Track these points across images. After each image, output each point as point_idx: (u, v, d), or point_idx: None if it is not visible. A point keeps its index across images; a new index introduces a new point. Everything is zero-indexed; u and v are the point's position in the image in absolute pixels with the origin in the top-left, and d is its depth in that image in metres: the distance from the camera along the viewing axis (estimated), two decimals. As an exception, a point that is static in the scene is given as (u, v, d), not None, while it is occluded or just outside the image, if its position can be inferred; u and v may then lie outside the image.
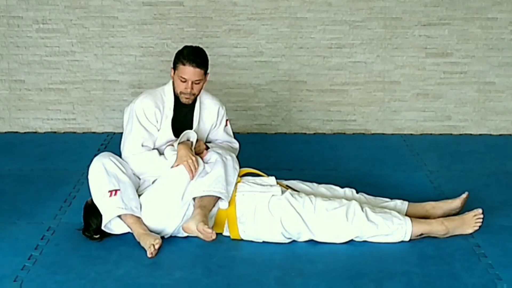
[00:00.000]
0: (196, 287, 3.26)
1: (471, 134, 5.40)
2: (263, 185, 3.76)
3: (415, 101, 5.37)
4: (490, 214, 3.84)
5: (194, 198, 3.67)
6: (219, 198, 3.66)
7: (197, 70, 3.76)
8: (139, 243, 3.55)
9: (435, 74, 5.35)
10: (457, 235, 3.67)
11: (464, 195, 3.84)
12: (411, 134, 5.39)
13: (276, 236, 3.65)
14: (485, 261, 3.47)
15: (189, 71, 3.75)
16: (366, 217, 3.60)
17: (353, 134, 5.41)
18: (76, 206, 4.03)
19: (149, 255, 3.46)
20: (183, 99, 3.82)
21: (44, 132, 5.37)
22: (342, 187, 3.90)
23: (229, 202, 3.66)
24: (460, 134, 5.40)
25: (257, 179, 3.82)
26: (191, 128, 3.87)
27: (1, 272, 3.35)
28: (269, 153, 4.96)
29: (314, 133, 5.42)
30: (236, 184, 3.74)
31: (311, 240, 3.64)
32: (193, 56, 3.77)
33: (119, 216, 3.63)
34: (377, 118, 5.40)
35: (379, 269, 3.40)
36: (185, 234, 3.65)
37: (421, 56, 5.32)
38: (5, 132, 5.37)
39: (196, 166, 3.70)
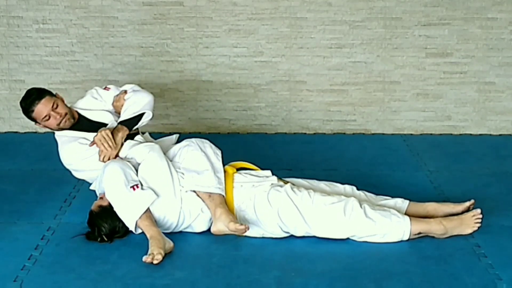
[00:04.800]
0: (196, 287, 3.26)
1: (471, 134, 5.40)
2: (260, 176, 3.79)
3: (415, 101, 5.38)
4: (490, 214, 3.84)
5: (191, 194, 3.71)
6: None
7: (42, 102, 3.87)
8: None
9: (435, 74, 5.34)
10: (457, 235, 3.67)
11: (468, 203, 3.81)
12: (411, 134, 5.39)
13: (273, 228, 3.66)
14: (485, 261, 3.47)
15: (40, 110, 3.86)
16: (364, 214, 3.60)
17: (353, 134, 5.41)
18: (76, 206, 4.03)
19: (143, 259, 3.43)
20: (67, 125, 3.91)
21: (44, 132, 5.36)
22: (343, 184, 3.90)
23: (224, 191, 3.70)
24: (460, 134, 5.40)
25: (252, 172, 3.85)
26: (103, 125, 3.93)
27: (1, 272, 3.35)
28: (269, 153, 4.96)
29: (314, 133, 5.42)
30: (232, 174, 3.77)
31: (311, 240, 3.64)
32: (29, 101, 3.89)
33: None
34: (377, 118, 5.40)
35: (379, 269, 3.40)
36: (186, 229, 3.71)
37: (421, 56, 5.32)
38: (5, 132, 5.37)
39: (107, 135, 3.79)
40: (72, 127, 3.94)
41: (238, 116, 5.39)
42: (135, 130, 3.95)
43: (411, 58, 5.32)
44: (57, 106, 3.89)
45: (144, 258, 3.41)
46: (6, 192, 4.27)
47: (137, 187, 3.64)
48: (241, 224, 3.56)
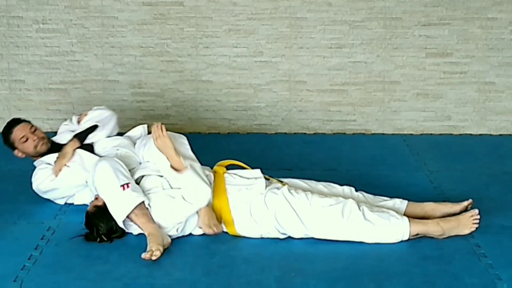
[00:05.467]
0: (196, 287, 3.26)
1: (471, 134, 5.40)
2: (249, 178, 3.77)
3: (415, 101, 5.38)
4: (490, 214, 3.84)
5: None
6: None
7: (21, 125, 4.11)
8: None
9: (435, 74, 5.35)
10: (456, 235, 3.67)
11: (465, 203, 3.79)
12: (411, 134, 5.39)
13: (270, 230, 3.65)
14: (485, 261, 3.47)
15: (20, 131, 4.09)
16: (363, 216, 3.59)
17: (353, 134, 5.41)
18: (76, 206, 4.03)
19: (142, 256, 3.43)
20: (43, 148, 4.08)
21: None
22: (341, 185, 3.90)
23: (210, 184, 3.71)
24: (460, 134, 5.40)
25: (240, 171, 3.85)
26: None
27: (1, 272, 3.35)
28: (269, 153, 4.96)
29: (314, 133, 5.42)
30: (223, 175, 3.77)
31: (311, 240, 3.64)
32: (8, 124, 4.14)
33: (130, 219, 3.64)
34: (377, 118, 5.40)
35: (379, 269, 3.40)
36: (188, 232, 3.71)
37: (421, 56, 5.32)
38: (5, 132, 5.37)
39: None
40: (47, 153, 4.09)
41: (238, 116, 5.40)
42: (88, 143, 4.08)
43: (411, 58, 5.33)
44: (35, 129, 4.11)
45: (143, 255, 3.41)
46: (6, 192, 4.27)
47: (128, 186, 3.65)
48: (214, 229, 3.61)
